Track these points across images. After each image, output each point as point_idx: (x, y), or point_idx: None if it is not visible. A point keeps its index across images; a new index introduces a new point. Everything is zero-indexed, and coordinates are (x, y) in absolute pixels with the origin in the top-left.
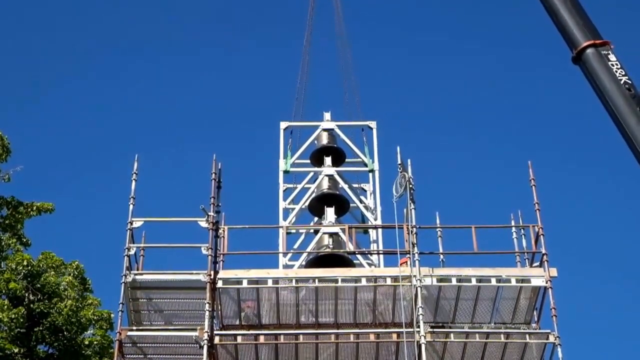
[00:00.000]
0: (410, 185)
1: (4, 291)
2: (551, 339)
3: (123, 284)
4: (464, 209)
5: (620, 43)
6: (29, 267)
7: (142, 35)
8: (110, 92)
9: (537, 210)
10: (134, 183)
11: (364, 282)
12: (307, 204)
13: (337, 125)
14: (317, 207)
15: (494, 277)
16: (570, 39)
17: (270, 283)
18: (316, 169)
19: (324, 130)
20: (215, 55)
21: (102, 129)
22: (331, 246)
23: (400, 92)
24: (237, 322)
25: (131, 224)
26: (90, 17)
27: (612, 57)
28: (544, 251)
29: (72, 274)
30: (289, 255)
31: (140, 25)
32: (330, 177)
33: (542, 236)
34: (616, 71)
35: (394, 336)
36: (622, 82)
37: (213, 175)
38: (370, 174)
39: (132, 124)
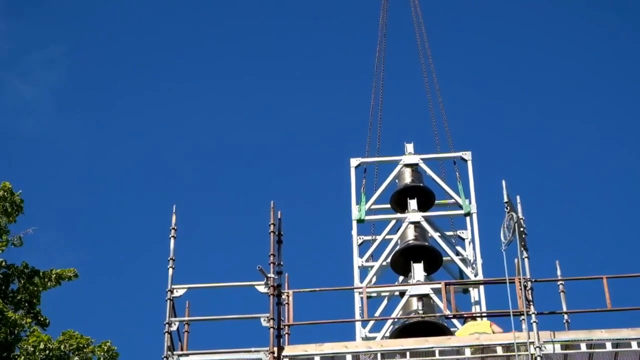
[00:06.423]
0: (522, 229)
1: None
2: None
3: None
4: (592, 255)
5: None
6: (48, 352)
7: (178, 72)
8: (136, 129)
9: None
10: (172, 241)
11: (467, 353)
12: (388, 259)
13: (422, 159)
14: (401, 263)
15: (635, 340)
16: None
17: (349, 359)
18: (398, 215)
19: (406, 165)
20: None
21: (132, 174)
22: (421, 311)
23: (498, 113)
24: None
25: (171, 292)
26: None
27: None
28: None
29: (102, 358)
30: (370, 324)
31: (183, 63)
32: (417, 224)
33: None
34: None
35: None
36: None
37: (271, 227)
38: (467, 218)
39: (169, 165)
